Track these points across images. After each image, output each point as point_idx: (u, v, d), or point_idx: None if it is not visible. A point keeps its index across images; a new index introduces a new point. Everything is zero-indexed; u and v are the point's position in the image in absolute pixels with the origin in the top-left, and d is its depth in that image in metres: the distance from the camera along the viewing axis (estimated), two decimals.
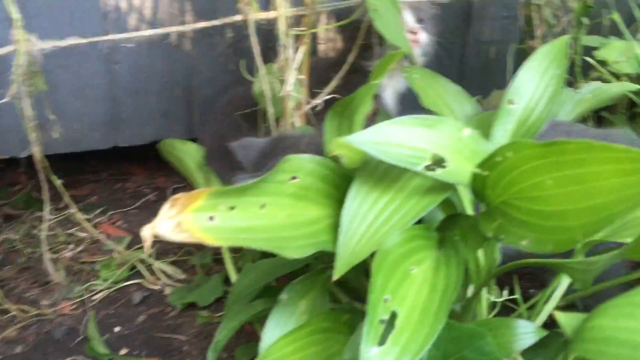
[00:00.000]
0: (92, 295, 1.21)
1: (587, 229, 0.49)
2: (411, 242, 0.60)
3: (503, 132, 0.74)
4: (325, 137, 0.72)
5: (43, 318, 1.15)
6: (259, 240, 0.57)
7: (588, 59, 1.36)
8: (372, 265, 0.56)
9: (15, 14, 1.02)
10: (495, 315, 0.79)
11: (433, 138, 0.61)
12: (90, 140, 1.39)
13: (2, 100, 1.06)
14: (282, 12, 1.07)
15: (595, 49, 1.43)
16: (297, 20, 1.13)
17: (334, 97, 1.16)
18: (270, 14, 1.10)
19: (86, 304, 1.18)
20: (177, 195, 0.54)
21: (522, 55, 1.43)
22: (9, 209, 1.48)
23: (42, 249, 1.22)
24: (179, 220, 0.54)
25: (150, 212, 1.49)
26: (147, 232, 0.52)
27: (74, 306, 1.19)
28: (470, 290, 0.76)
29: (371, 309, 0.53)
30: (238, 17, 1.14)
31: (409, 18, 1.22)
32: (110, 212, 1.48)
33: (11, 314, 1.14)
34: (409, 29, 1.18)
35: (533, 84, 0.75)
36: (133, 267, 1.27)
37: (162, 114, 1.42)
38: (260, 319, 0.73)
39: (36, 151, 1.13)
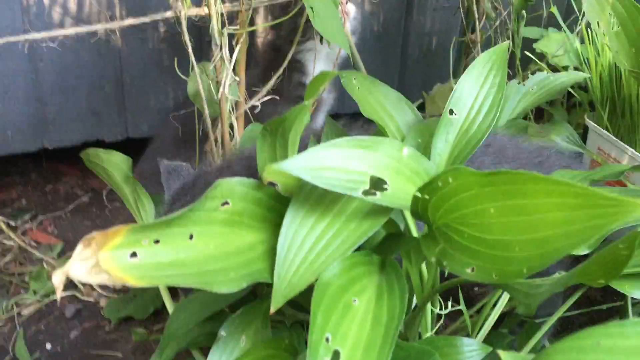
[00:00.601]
0: (22, 310, 1.14)
1: (532, 262, 0.47)
2: (351, 271, 0.57)
3: (444, 143, 0.71)
4: (259, 158, 0.68)
5: None
6: (186, 276, 0.53)
7: (528, 53, 1.35)
8: (311, 301, 0.53)
9: None
10: (440, 326, 0.77)
11: (372, 160, 0.57)
12: (15, 143, 1.31)
13: None
14: (215, 9, 1.01)
15: (535, 41, 1.43)
16: (234, 16, 1.08)
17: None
18: (203, 11, 1.04)
19: (16, 319, 1.11)
20: (91, 234, 0.49)
21: (464, 48, 1.42)
22: None
23: None
24: (96, 260, 0.49)
25: (83, 216, 1.42)
26: (58, 279, 0.47)
27: (1, 323, 1.11)
28: (414, 304, 0.74)
29: (312, 351, 0.50)
30: (169, 14, 1.07)
31: None
32: (40, 217, 1.40)
33: None
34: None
35: (473, 94, 0.73)
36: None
37: (93, 113, 1.35)
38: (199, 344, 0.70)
39: None
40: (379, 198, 0.56)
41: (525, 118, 1.38)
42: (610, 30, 1.14)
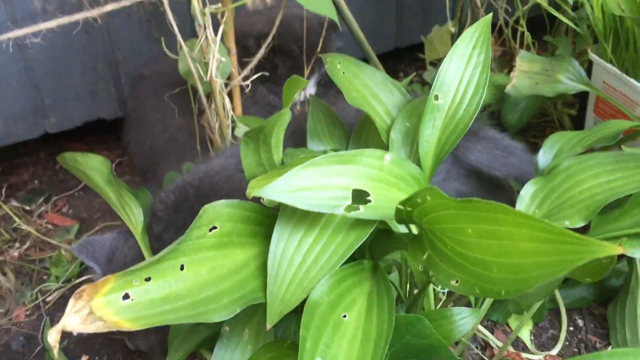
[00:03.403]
0: (46, 297, 1.18)
1: (509, 286, 0.47)
2: (341, 284, 0.58)
3: (432, 130, 0.70)
4: (244, 163, 0.68)
5: None
6: (180, 309, 0.54)
7: None
8: (301, 321, 0.55)
9: None
10: (443, 305, 0.79)
11: (353, 173, 0.57)
12: (17, 131, 1.32)
13: None
14: None
15: None
16: None
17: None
18: None
19: (41, 307, 1.16)
20: (81, 287, 0.51)
21: None
22: None
23: None
24: (90, 309, 0.51)
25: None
26: (53, 337, 0.49)
27: (28, 312, 1.16)
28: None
29: None
30: None
31: None
32: (54, 198, 1.43)
33: None
34: None
35: (458, 76, 0.71)
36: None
37: (90, 93, 1.34)
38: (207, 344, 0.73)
39: None
40: (362, 212, 0.57)
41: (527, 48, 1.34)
42: None
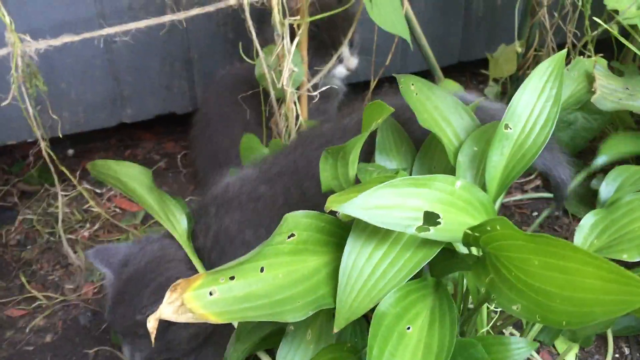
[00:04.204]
0: None
1: (571, 318, 0.51)
2: (407, 298, 0.63)
3: (499, 157, 0.74)
4: (322, 175, 0.73)
5: (68, 304, 1.21)
6: (259, 308, 0.60)
7: (596, 19, 1.30)
8: (369, 330, 0.59)
9: (6, 18, 1.00)
10: (494, 324, 0.82)
11: (425, 195, 0.61)
12: (96, 120, 1.40)
13: (3, 103, 1.07)
14: (276, 1, 1.04)
15: None
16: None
17: None
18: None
19: None
20: (177, 282, 0.57)
21: (530, 8, 1.38)
22: (23, 184, 1.52)
23: (59, 231, 1.27)
24: (181, 301, 0.56)
25: (161, 181, 1.52)
26: (152, 323, 0.55)
27: (96, 289, 1.24)
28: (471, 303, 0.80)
29: None
30: (233, 1, 1.11)
31: None
32: None
33: (38, 301, 1.21)
34: None
35: (529, 107, 0.74)
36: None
37: (165, 88, 1.42)
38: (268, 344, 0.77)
39: (42, 146, 1.15)
40: (432, 233, 0.61)
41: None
42: None
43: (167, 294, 0.56)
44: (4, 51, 1.06)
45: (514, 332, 0.95)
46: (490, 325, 0.81)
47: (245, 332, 0.72)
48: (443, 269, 0.68)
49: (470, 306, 0.82)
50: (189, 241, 0.88)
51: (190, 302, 0.57)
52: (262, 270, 0.62)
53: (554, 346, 0.99)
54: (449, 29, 1.53)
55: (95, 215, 1.41)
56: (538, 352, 0.97)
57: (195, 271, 0.85)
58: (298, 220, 0.65)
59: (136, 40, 1.33)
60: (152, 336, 0.55)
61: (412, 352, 0.59)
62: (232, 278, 0.60)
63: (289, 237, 0.64)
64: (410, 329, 0.61)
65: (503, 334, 0.89)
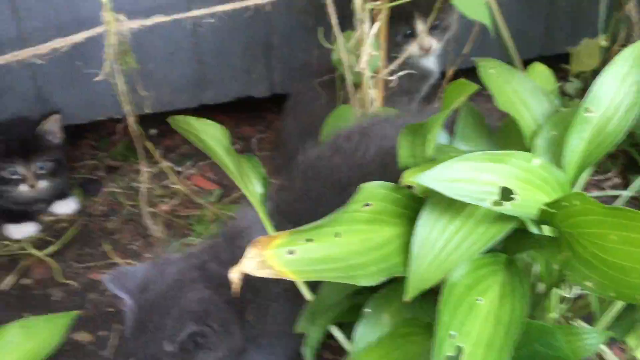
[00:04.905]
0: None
1: None
2: (478, 271, 0.64)
3: (579, 141, 0.74)
4: (399, 152, 0.75)
5: None
6: (334, 270, 0.62)
7: None
8: (439, 299, 0.61)
9: None
10: (563, 315, 0.82)
11: (501, 171, 0.62)
12: (179, 100, 1.47)
13: (96, 79, 1.15)
14: None
15: None
16: None
17: None
18: None
19: None
20: (257, 238, 0.60)
21: (616, 2, 1.35)
22: (110, 160, 1.61)
23: (141, 204, 1.34)
24: (262, 257, 0.60)
25: None
26: (235, 274, 0.58)
27: None
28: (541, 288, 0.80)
29: (437, 346, 0.58)
30: None
31: None
32: (200, 163, 1.57)
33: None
34: None
35: (611, 92, 0.73)
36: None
37: (245, 72, 1.47)
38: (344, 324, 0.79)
39: (130, 121, 1.22)
40: (507, 208, 0.62)
41: None
42: None
43: (249, 248, 0.59)
44: (100, 29, 1.13)
45: (583, 325, 0.93)
46: (559, 315, 0.81)
47: (323, 305, 0.75)
48: (514, 247, 0.68)
49: (539, 292, 0.82)
50: (262, 203, 0.86)
51: (270, 259, 0.60)
52: (338, 235, 0.65)
53: (624, 342, 0.97)
54: (532, 21, 1.51)
55: (174, 191, 1.48)
56: (609, 347, 0.95)
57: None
58: (374, 191, 0.67)
59: (221, 24, 1.39)
60: (235, 288, 0.58)
61: (482, 322, 0.60)
62: (309, 240, 0.63)
63: (364, 206, 0.66)
64: (482, 300, 0.62)
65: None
